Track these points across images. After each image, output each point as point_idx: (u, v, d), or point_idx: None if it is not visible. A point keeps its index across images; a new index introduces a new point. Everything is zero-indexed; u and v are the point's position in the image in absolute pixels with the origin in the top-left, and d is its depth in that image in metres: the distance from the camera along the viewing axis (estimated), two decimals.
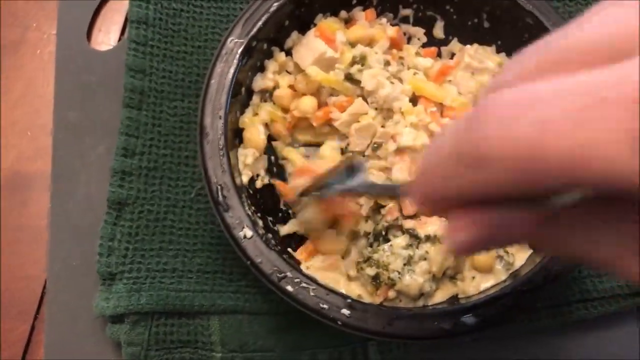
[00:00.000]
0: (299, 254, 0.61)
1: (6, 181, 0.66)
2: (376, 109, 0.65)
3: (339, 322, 0.52)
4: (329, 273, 0.60)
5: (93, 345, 0.60)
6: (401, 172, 0.62)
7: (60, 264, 0.62)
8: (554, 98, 0.21)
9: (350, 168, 0.51)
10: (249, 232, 0.54)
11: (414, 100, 0.65)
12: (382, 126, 0.64)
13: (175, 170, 0.64)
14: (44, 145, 0.67)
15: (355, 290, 0.59)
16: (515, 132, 0.21)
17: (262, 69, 0.65)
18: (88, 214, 0.64)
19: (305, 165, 0.62)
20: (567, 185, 0.21)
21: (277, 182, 0.64)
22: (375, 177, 0.62)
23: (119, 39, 0.72)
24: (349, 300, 0.53)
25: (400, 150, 0.62)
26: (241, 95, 0.63)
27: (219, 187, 0.55)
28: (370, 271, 0.57)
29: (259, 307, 0.61)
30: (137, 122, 0.64)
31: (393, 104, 0.64)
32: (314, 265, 0.60)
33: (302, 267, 0.58)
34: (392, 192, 0.52)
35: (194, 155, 0.64)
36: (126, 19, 0.72)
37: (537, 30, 0.62)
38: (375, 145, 0.63)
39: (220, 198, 0.55)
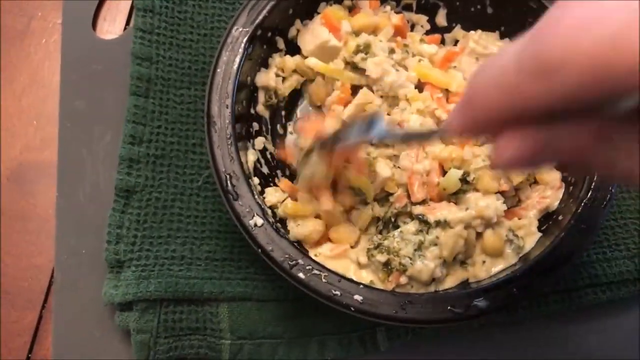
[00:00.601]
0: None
1: (13, 171, 0.66)
2: (382, 97, 0.65)
3: (352, 308, 0.52)
4: (339, 261, 0.59)
5: (102, 334, 0.60)
6: (409, 159, 0.62)
7: (67, 252, 0.62)
8: (621, 10, 0.22)
9: (368, 121, 0.51)
10: (259, 220, 0.54)
11: (420, 87, 0.65)
12: (388, 114, 0.64)
13: (183, 157, 0.64)
14: (50, 134, 0.67)
15: (366, 277, 0.59)
16: (586, 41, 0.23)
17: (265, 64, 0.65)
18: (95, 202, 0.63)
19: (314, 122, 0.62)
20: (632, 90, 0.23)
21: (281, 150, 0.65)
22: (383, 164, 0.62)
23: (125, 28, 0.72)
24: (361, 287, 0.53)
25: None
26: (247, 88, 0.63)
27: (227, 176, 0.55)
28: (381, 257, 0.57)
29: (267, 294, 0.60)
30: (144, 109, 0.64)
31: (399, 92, 0.63)
32: (323, 253, 0.60)
33: (311, 254, 0.58)
34: (418, 137, 0.53)
35: (201, 142, 0.64)
36: (132, 8, 0.72)
37: (541, 14, 0.61)
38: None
39: (230, 187, 0.55)
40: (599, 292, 0.61)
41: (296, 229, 0.59)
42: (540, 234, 0.59)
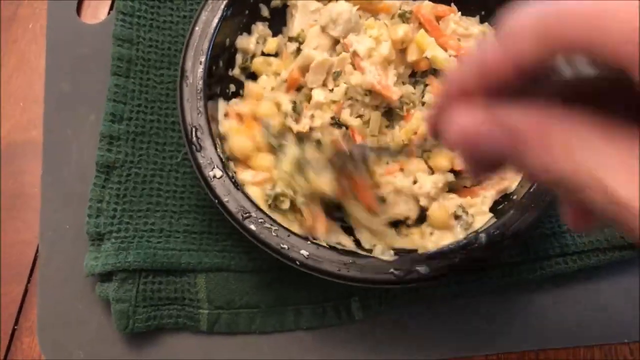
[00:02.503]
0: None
1: (2, 151, 0.69)
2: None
3: (297, 263, 0.54)
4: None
5: (84, 305, 0.62)
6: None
7: (52, 228, 0.64)
8: None
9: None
10: (218, 172, 0.56)
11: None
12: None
13: (162, 135, 0.66)
14: (37, 115, 0.69)
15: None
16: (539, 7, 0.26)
17: (248, 30, 0.67)
18: (79, 180, 0.65)
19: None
20: (584, 49, 0.25)
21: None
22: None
23: (109, 12, 0.74)
24: (308, 242, 0.55)
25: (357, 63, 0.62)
26: (227, 50, 0.65)
27: (193, 128, 0.58)
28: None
29: (244, 265, 0.62)
30: (125, 89, 0.66)
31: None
32: (245, 179, 0.60)
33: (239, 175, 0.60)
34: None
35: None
36: None
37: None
38: (335, 74, 0.63)
39: (194, 139, 0.57)
40: (570, 262, 0.62)
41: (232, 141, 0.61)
42: (491, 215, 0.60)
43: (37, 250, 0.65)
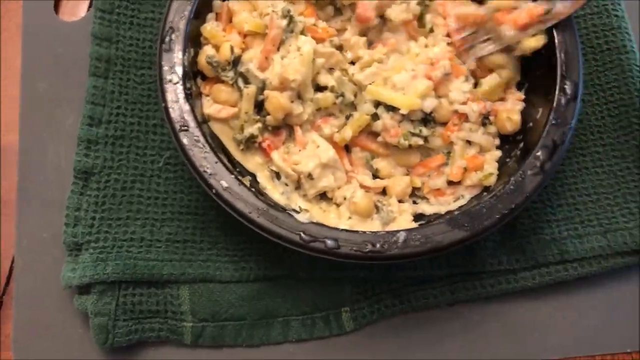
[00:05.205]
0: (203, 88, 0.62)
1: None
2: None
3: (213, 190, 0.53)
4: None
5: (63, 317, 0.59)
6: None
7: (29, 237, 0.61)
8: None
9: None
10: (175, 78, 0.56)
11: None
12: None
13: (143, 138, 0.63)
14: (13, 118, 0.66)
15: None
16: None
17: None
18: (57, 185, 0.62)
19: None
20: None
21: None
22: None
23: (88, 9, 0.70)
24: (232, 176, 0.54)
25: None
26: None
27: (171, 29, 0.57)
28: None
29: (230, 275, 0.59)
30: (104, 90, 0.63)
31: None
32: (211, 114, 0.61)
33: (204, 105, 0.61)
34: None
35: (162, 123, 0.63)
36: None
37: None
38: None
39: (167, 38, 0.57)
40: (570, 269, 0.60)
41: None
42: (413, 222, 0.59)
43: (12, 260, 0.62)
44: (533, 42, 0.59)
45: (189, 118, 0.55)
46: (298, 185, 0.60)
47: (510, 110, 0.61)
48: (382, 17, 0.63)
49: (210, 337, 0.58)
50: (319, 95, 0.60)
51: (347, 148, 0.63)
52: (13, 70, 0.67)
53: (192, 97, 0.57)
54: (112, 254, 0.58)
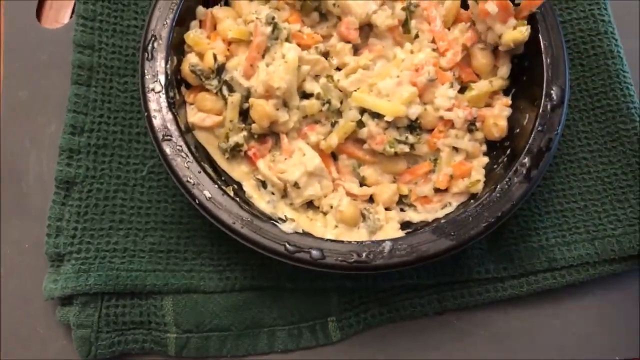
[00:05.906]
0: (187, 96, 0.61)
1: None
2: None
3: (197, 201, 0.53)
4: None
5: (45, 328, 0.58)
6: None
7: (10, 247, 0.60)
8: None
9: None
10: (157, 87, 0.55)
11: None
12: None
13: (126, 147, 0.62)
14: None
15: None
16: None
17: None
18: (39, 195, 0.62)
19: None
20: None
21: None
22: None
23: (71, 16, 0.69)
24: (215, 186, 0.53)
25: None
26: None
27: (153, 37, 0.57)
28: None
29: (214, 285, 0.59)
30: (86, 98, 0.62)
31: None
32: (195, 123, 0.60)
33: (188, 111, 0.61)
34: None
35: (146, 132, 0.62)
36: None
37: None
38: None
39: (149, 47, 0.57)
40: (558, 277, 0.59)
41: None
42: (399, 227, 0.59)
43: None
44: (517, 34, 0.58)
45: (172, 127, 0.54)
46: (284, 194, 0.59)
47: (497, 116, 0.60)
48: (368, 24, 0.63)
49: (195, 348, 0.57)
50: (305, 102, 0.60)
51: (334, 156, 0.62)
52: None
53: (175, 105, 0.56)
54: (94, 264, 0.57)
